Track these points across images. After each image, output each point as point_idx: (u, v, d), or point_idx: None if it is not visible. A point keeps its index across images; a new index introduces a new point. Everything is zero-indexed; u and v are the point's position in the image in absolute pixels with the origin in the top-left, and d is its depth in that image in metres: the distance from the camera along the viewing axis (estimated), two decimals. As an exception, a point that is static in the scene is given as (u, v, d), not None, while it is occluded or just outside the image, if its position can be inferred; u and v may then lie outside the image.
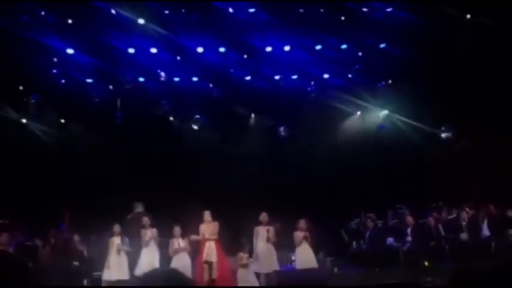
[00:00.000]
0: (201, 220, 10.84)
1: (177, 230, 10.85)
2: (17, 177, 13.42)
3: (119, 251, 10.70)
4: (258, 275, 10.63)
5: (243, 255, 10.54)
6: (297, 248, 11.02)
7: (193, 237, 10.76)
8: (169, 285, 2.62)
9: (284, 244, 11.44)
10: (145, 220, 10.95)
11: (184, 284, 2.65)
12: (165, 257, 10.85)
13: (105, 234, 11.26)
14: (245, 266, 10.48)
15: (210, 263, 10.44)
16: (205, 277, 10.38)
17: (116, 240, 10.73)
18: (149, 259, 10.60)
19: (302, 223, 11.07)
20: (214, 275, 10.45)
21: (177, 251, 10.69)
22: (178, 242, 10.75)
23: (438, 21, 12.33)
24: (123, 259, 10.73)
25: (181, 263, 10.56)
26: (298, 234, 10.99)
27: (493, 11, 11.94)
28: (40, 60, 13.10)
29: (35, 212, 12.67)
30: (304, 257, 10.92)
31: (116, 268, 10.57)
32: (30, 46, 12.39)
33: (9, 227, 11.73)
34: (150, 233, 10.79)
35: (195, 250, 10.92)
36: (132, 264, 10.80)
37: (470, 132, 13.90)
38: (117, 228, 10.82)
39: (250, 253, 10.81)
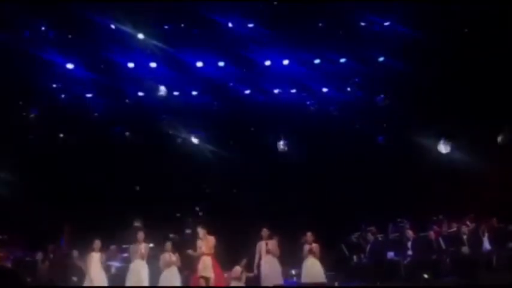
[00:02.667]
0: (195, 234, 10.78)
1: (168, 245, 10.88)
2: (16, 192, 13.40)
3: (99, 267, 10.62)
4: None
5: (238, 269, 10.59)
6: (304, 261, 10.94)
7: (190, 251, 10.70)
8: None
9: (283, 259, 11.36)
10: (140, 235, 10.90)
11: None
12: (156, 270, 10.80)
13: (104, 249, 11.21)
14: (238, 278, 10.52)
15: (207, 279, 10.37)
16: None
17: (96, 256, 10.66)
18: (137, 274, 10.58)
19: (309, 236, 11.00)
20: None
21: (166, 265, 10.68)
22: (169, 256, 10.74)
23: (436, 34, 12.41)
24: (102, 275, 10.65)
25: (170, 276, 10.58)
26: (306, 248, 10.92)
27: (490, 24, 12.02)
28: (40, 75, 13.15)
29: (34, 227, 12.63)
30: (311, 270, 10.81)
31: (96, 283, 10.48)
32: (31, 61, 12.45)
33: (8, 242, 11.69)
34: (140, 249, 10.74)
35: (188, 265, 10.88)
36: (120, 278, 10.79)
37: (470, 145, 13.90)
38: (97, 244, 10.75)
39: (248, 268, 10.77)
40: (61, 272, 11.50)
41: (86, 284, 10.53)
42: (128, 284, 10.56)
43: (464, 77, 12.91)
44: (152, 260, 10.93)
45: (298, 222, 12.56)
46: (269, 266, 10.59)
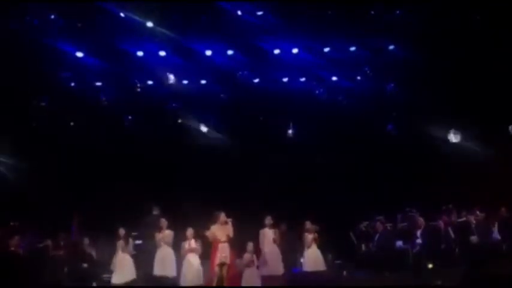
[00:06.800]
0: (211, 221, 10.79)
1: (189, 231, 10.95)
2: (26, 180, 13.52)
3: (124, 254, 10.79)
4: (265, 277, 10.62)
5: (249, 256, 10.68)
6: (306, 250, 11.02)
7: (209, 234, 10.69)
8: None
9: (292, 246, 11.42)
10: (163, 222, 11.05)
11: None
12: (180, 258, 10.94)
13: (114, 236, 11.33)
14: (249, 265, 10.61)
15: (223, 265, 10.46)
16: (217, 278, 10.41)
17: (121, 243, 10.82)
18: (163, 261, 10.70)
19: (309, 225, 11.06)
20: (225, 276, 10.47)
21: (187, 253, 10.76)
22: (190, 244, 10.83)
23: (447, 23, 12.29)
24: (129, 261, 10.82)
25: (191, 264, 10.65)
26: (308, 236, 10.99)
27: (503, 12, 11.88)
28: (50, 64, 13.21)
29: (45, 214, 12.76)
30: (313, 259, 10.92)
31: (122, 271, 10.65)
32: (40, 49, 12.50)
33: (19, 229, 11.82)
34: (162, 235, 10.89)
35: (207, 251, 10.93)
36: (146, 265, 10.90)
37: (480, 134, 13.82)
38: (121, 231, 10.91)
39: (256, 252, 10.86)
40: (72, 258, 11.63)
41: (113, 272, 10.71)
42: (156, 271, 10.66)
43: (475, 66, 12.80)
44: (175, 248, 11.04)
45: (306, 210, 12.58)
46: (271, 254, 10.66)
